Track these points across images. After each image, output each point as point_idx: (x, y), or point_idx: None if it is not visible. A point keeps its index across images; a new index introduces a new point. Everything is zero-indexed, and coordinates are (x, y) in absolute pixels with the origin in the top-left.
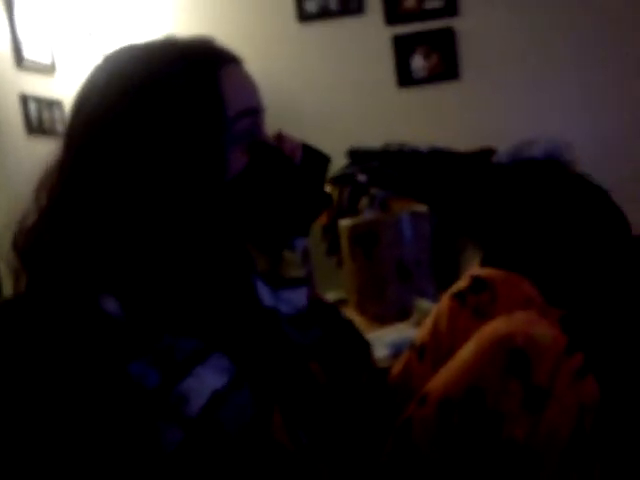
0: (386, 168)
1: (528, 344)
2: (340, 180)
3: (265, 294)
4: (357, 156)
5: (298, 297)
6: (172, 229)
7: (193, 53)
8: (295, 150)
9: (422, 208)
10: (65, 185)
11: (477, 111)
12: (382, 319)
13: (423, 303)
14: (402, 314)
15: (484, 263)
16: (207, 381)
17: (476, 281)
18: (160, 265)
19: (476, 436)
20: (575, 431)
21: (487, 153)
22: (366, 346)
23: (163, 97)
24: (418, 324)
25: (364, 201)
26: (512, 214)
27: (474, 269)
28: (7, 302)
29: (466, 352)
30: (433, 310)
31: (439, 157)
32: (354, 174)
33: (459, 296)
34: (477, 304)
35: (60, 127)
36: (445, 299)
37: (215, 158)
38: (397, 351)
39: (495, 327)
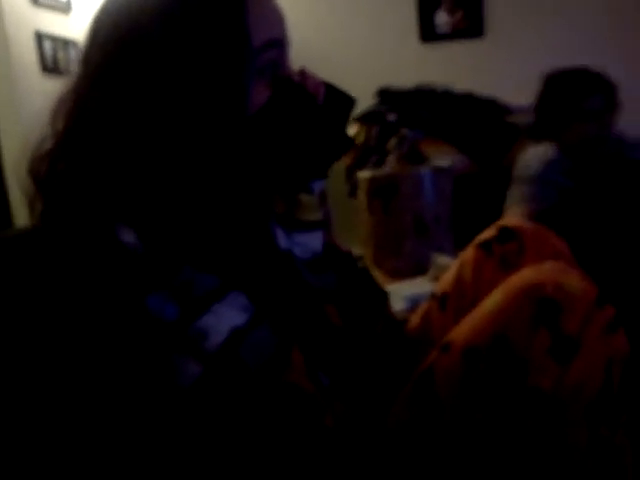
0: (417, 108)
1: (558, 293)
2: (369, 118)
3: (280, 237)
4: (387, 95)
5: (313, 241)
6: (192, 160)
7: None
8: (318, 88)
9: (452, 151)
10: (81, 110)
11: (500, 70)
12: (398, 273)
13: (440, 259)
14: (419, 269)
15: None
16: (226, 318)
17: (503, 231)
18: (179, 197)
19: (502, 384)
20: (603, 384)
21: None
22: (382, 295)
23: (187, 22)
24: (435, 279)
25: (393, 141)
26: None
27: (503, 219)
28: (23, 232)
29: (493, 300)
30: (457, 260)
31: (472, 101)
32: (384, 113)
33: (485, 246)
34: (503, 254)
35: (75, 67)
36: (470, 248)
37: (237, 90)
38: (414, 305)
39: (524, 276)
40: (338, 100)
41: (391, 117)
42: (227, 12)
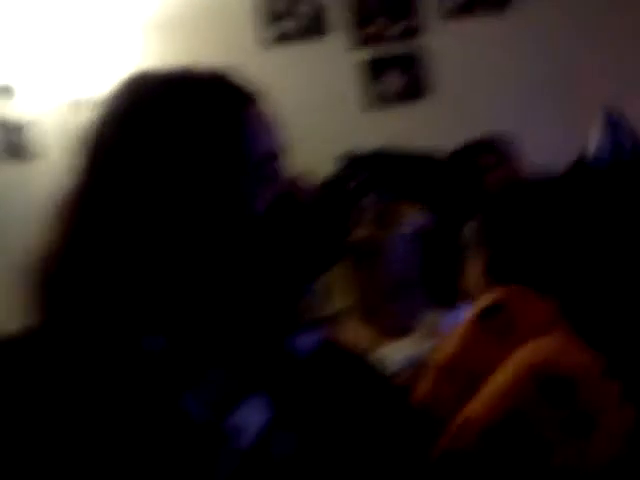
0: (380, 172)
1: (568, 370)
2: (331, 186)
3: (302, 342)
4: (350, 162)
5: (307, 339)
6: (200, 267)
7: (219, 93)
8: (307, 194)
9: (420, 212)
10: (87, 218)
11: (444, 130)
12: (386, 333)
13: (428, 316)
14: (406, 328)
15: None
16: (252, 418)
17: (491, 305)
18: (196, 301)
19: (521, 464)
20: (619, 456)
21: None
22: (385, 380)
23: (186, 140)
24: (425, 338)
25: (362, 210)
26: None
27: (490, 292)
28: (25, 338)
29: (503, 381)
30: (456, 330)
31: (429, 160)
32: (346, 181)
33: (480, 318)
34: (497, 327)
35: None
36: (467, 321)
37: (239, 202)
38: (409, 366)
39: (529, 355)
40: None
41: (353, 184)
42: (228, 133)
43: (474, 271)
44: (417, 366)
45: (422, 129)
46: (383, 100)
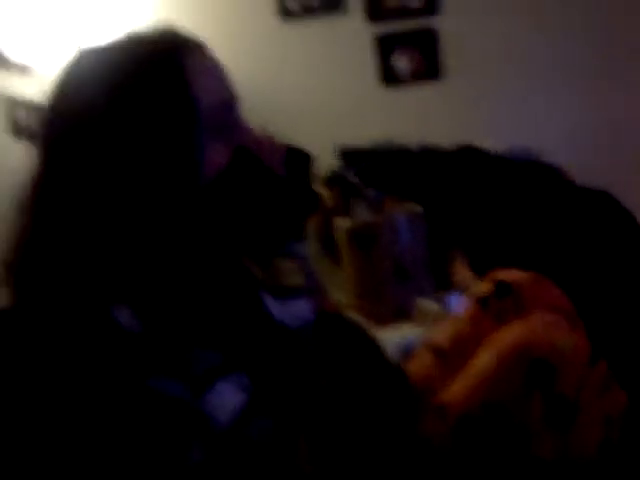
0: (376, 169)
1: (550, 354)
2: (332, 181)
3: (272, 305)
4: (348, 156)
5: (301, 308)
6: (158, 229)
7: (157, 50)
8: (276, 153)
9: (415, 208)
10: (44, 196)
11: (459, 111)
12: (382, 319)
13: (425, 303)
14: (402, 314)
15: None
16: (229, 397)
17: (500, 285)
18: (155, 270)
19: (500, 452)
20: (603, 442)
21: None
22: (378, 348)
23: (134, 100)
24: (421, 324)
25: (357, 202)
26: (499, 216)
27: (499, 272)
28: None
29: (485, 362)
30: (454, 314)
31: (428, 156)
32: (345, 175)
33: (482, 301)
34: (500, 309)
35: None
36: (467, 304)
37: (189, 155)
38: (404, 352)
39: (514, 334)
40: (296, 158)
41: (353, 179)
42: (169, 85)
43: (460, 266)
44: (411, 350)
45: (438, 108)
46: (398, 77)
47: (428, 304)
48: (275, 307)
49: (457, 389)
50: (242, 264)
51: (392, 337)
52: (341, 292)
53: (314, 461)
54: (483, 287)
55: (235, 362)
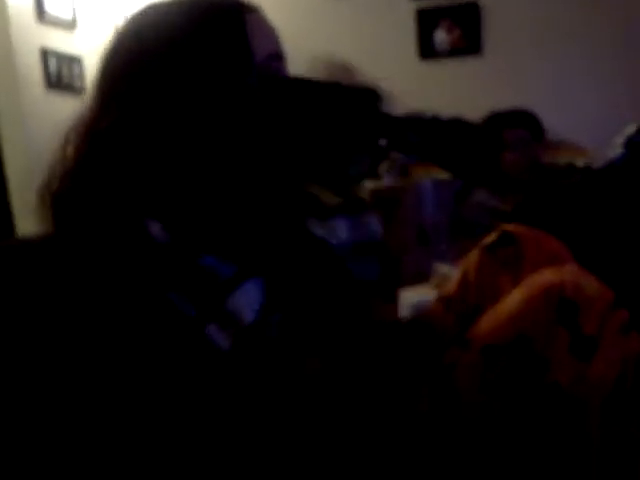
0: (406, 133)
1: (577, 294)
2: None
3: (315, 225)
4: (382, 121)
5: (340, 228)
6: (208, 153)
7: (223, 4)
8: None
9: (443, 174)
10: (97, 129)
11: (498, 87)
12: (402, 281)
13: (442, 267)
14: (421, 278)
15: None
16: (253, 296)
17: (503, 235)
18: (201, 188)
19: (521, 381)
20: (618, 383)
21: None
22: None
23: (193, 45)
24: (437, 287)
25: (384, 165)
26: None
27: (505, 225)
28: (36, 240)
29: (514, 300)
30: (462, 263)
31: (459, 125)
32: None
33: (489, 249)
34: (505, 257)
35: (79, 83)
36: (474, 252)
37: (246, 97)
38: (418, 311)
39: (545, 276)
40: (365, 97)
41: (382, 142)
42: (230, 32)
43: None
44: (424, 308)
45: (476, 83)
46: (438, 51)
47: (445, 268)
48: (318, 227)
49: (483, 325)
50: (299, 189)
51: (408, 298)
52: None
53: (325, 361)
54: (489, 237)
55: (254, 270)
